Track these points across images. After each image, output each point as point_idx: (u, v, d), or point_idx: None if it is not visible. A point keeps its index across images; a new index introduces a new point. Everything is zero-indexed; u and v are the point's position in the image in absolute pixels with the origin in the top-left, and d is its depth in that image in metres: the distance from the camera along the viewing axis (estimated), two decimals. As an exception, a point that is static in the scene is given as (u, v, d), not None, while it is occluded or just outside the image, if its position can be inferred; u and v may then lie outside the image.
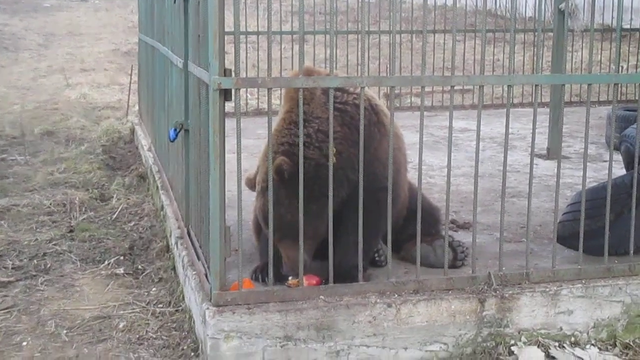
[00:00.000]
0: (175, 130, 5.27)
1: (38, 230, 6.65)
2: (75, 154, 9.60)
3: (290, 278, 4.38)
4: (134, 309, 5.04)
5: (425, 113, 4.66)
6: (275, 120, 4.54)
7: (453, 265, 4.66)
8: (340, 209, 4.40)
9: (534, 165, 4.65)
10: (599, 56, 12.28)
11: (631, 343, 4.49)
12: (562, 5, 7.59)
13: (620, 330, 4.54)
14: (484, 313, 4.33)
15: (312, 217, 4.29)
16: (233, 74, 3.98)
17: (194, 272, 4.65)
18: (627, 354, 4.44)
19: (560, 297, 4.44)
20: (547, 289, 4.42)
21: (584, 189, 4.58)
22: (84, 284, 5.50)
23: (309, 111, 4.43)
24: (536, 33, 6.61)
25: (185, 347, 4.50)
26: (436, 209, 5.11)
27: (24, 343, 4.60)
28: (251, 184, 4.68)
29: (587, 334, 4.49)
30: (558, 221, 4.74)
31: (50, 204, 7.30)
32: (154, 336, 4.65)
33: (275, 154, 4.29)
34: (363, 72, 4.17)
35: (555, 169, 4.62)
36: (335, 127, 4.35)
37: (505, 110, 4.39)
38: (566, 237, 4.93)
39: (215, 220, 4.06)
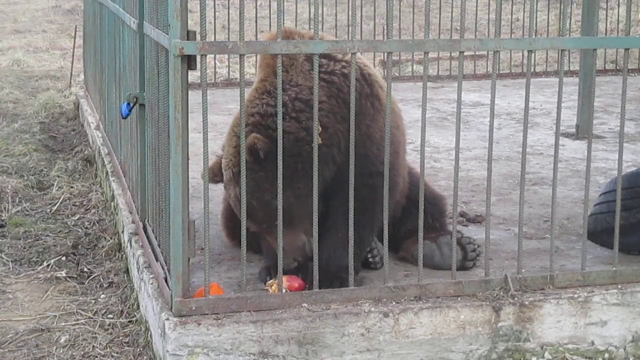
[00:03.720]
0: (128, 104, 5.25)
1: (-39, 225, 6.64)
2: (7, 132, 9.55)
3: (267, 280, 4.38)
4: (78, 319, 5.04)
5: (429, 84, 4.66)
6: (248, 92, 4.53)
7: (462, 267, 4.67)
8: (327, 198, 4.41)
9: (560, 147, 4.67)
10: (639, 15, 12.31)
11: (676, 360, 4.53)
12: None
13: (663, 345, 4.57)
14: (500, 324, 4.34)
15: (302, 196, 4.31)
16: (198, 37, 3.97)
17: (151, 276, 4.65)
18: (670, 373, 4.47)
19: (592, 305, 4.45)
20: (576, 296, 4.44)
21: (620, 175, 4.59)
22: (18, 289, 5.49)
23: (288, 79, 4.42)
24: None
25: (140, 366, 4.51)
26: (442, 199, 5.12)
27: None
28: (213, 173, 4.52)
29: (625, 349, 4.51)
30: (589, 214, 4.76)
31: (-24, 194, 7.29)
32: (103, 353, 4.64)
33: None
34: (354, 35, 4.16)
35: (586, 151, 4.63)
36: (321, 97, 4.35)
37: (525, 80, 4.40)
38: (598, 233, 4.94)
39: (177, 213, 4.05)
